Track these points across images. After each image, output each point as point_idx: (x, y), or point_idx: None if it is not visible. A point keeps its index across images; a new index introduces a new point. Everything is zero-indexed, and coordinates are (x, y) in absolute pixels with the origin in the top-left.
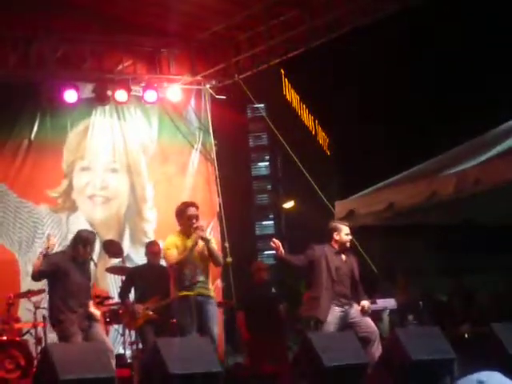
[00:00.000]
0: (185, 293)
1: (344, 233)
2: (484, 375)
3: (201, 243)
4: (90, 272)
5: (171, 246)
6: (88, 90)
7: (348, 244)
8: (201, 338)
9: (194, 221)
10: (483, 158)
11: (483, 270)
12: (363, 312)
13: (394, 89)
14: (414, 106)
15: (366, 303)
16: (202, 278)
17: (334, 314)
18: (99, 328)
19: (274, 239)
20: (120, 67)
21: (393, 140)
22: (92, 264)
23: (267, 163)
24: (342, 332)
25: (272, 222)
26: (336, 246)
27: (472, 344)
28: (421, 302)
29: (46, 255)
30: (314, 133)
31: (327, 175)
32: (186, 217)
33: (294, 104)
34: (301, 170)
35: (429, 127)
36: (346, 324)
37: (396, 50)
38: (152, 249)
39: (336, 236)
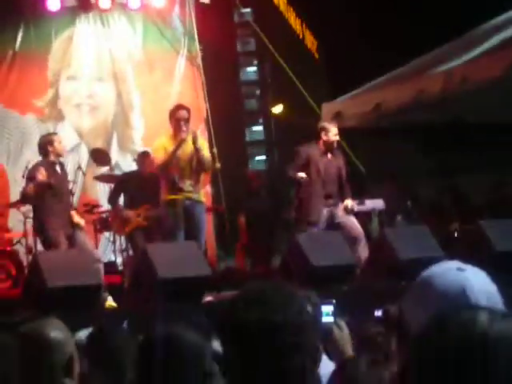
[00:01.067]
0: (173, 196)
1: (332, 133)
2: (469, 269)
3: (189, 147)
4: (67, 173)
5: (159, 148)
6: None
7: (335, 144)
8: (189, 242)
9: (182, 123)
10: (470, 55)
11: (472, 169)
12: (346, 211)
13: None
14: (402, 4)
15: (349, 202)
16: (190, 183)
17: (322, 214)
18: (84, 237)
19: (301, 176)
20: None
21: (380, 40)
22: (80, 173)
23: (255, 68)
24: (330, 232)
25: (261, 127)
26: (323, 146)
27: (460, 242)
28: (409, 202)
29: (29, 178)
30: (301, 36)
31: (316, 79)
32: (174, 119)
33: (282, 8)
34: (289, 74)
35: (416, 26)
36: (332, 224)
37: None
38: (144, 160)
39: (324, 136)
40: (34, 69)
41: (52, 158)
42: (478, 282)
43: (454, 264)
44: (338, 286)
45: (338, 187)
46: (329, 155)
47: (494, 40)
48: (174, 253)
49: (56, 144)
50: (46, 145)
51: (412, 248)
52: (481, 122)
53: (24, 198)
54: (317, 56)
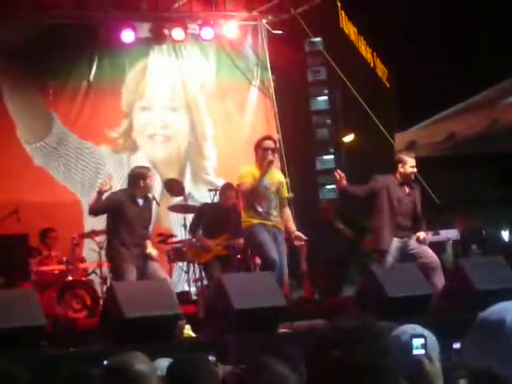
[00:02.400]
0: (262, 221)
1: (409, 165)
2: None
3: (275, 178)
4: (151, 212)
5: (247, 174)
6: (145, 29)
7: (412, 176)
8: (265, 273)
9: (269, 153)
10: None
11: None
12: (419, 241)
13: (455, 19)
14: (476, 35)
15: (421, 234)
16: (276, 213)
17: (394, 244)
18: (156, 266)
19: (338, 170)
20: (176, 5)
21: (453, 70)
22: (154, 203)
23: (326, 97)
24: (405, 264)
25: (332, 156)
26: (400, 178)
27: None
28: (484, 231)
29: (100, 192)
30: (372, 65)
31: (387, 108)
32: (262, 149)
33: (352, 37)
34: (360, 103)
35: (490, 57)
36: (405, 255)
37: None
38: (229, 192)
39: (401, 168)
40: (108, 100)
41: (138, 191)
42: None
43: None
44: (415, 318)
45: (413, 220)
46: (405, 187)
47: None
48: (249, 283)
49: (148, 180)
50: (137, 178)
51: (488, 279)
52: None
53: (90, 210)
54: (388, 85)
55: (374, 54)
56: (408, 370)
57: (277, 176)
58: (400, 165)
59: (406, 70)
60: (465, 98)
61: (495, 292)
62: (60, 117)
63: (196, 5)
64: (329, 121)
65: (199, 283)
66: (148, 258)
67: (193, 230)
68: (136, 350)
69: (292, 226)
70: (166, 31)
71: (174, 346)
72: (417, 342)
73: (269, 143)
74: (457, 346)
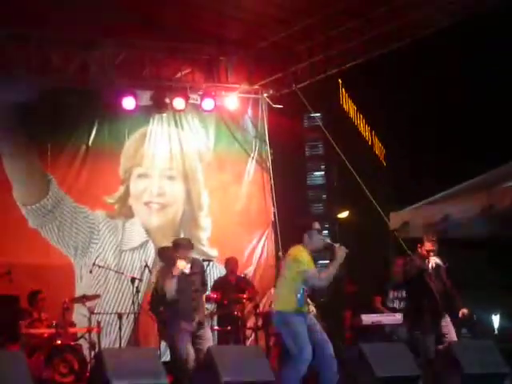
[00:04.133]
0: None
1: (425, 248)
2: None
3: None
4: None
5: (310, 263)
6: (146, 97)
7: (430, 257)
8: (254, 347)
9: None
10: None
11: None
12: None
13: (448, 103)
14: (469, 118)
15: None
16: None
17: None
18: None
19: None
20: (178, 75)
21: (448, 153)
22: (147, 271)
23: (323, 172)
24: (395, 344)
25: (327, 231)
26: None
27: None
28: (474, 315)
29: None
30: (370, 143)
31: (383, 186)
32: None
33: (351, 114)
34: (356, 180)
35: (484, 141)
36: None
37: (452, 60)
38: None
39: (419, 248)
40: (106, 165)
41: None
42: None
43: None
44: None
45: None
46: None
47: None
48: (238, 356)
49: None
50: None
51: (478, 363)
52: None
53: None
54: (384, 164)
55: (373, 132)
56: None
57: None
58: (418, 245)
59: (402, 151)
60: (459, 182)
61: (484, 376)
62: (57, 180)
63: (198, 75)
64: (324, 196)
65: None
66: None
67: None
68: None
69: None
70: (167, 100)
71: None
72: None
73: (317, 225)
74: None
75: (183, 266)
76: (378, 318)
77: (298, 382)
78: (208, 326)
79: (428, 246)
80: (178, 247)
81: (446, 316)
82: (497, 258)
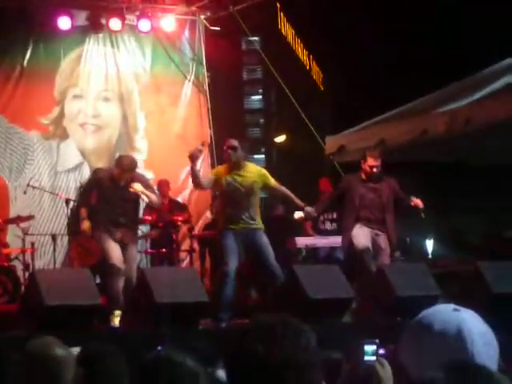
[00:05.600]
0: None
1: (367, 164)
2: (463, 310)
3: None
4: None
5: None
6: (82, 17)
7: (372, 174)
8: (188, 268)
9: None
10: (475, 97)
11: (472, 211)
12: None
13: (392, 27)
14: (412, 45)
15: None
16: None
17: (364, 231)
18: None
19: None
20: None
21: (386, 77)
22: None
23: (260, 97)
24: (328, 266)
25: (263, 155)
26: (363, 175)
27: (458, 282)
28: (408, 239)
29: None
30: (308, 67)
31: (320, 110)
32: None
33: (289, 38)
34: (294, 104)
35: (422, 66)
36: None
37: None
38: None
39: (362, 164)
40: (41, 86)
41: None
42: (473, 323)
43: (449, 306)
44: (335, 320)
45: (383, 212)
46: (370, 183)
47: (499, 83)
48: (172, 277)
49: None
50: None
51: (410, 285)
52: (482, 165)
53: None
54: (322, 88)
55: (311, 56)
56: (361, 377)
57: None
58: (362, 161)
59: (340, 75)
60: (397, 106)
61: (416, 298)
62: None
63: None
64: (262, 120)
65: None
66: None
67: None
68: (54, 337)
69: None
70: (103, 20)
71: (92, 335)
72: (368, 348)
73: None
74: (382, 351)
75: (139, 189)
76: (312, 241)
77: (228, 294)
78: (135, 245)
79: (371, 161)
80: (120, 167)
81: (384, 235)
82: (432, 182)
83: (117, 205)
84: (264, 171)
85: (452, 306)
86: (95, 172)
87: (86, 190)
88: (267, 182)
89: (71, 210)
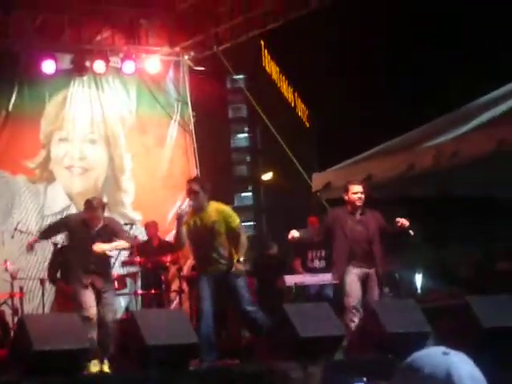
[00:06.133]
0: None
1: (351, 192)
2: (453, 353)
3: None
4: None
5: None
6: (66, 60)
7: (358, 202)
8: (177, 311)
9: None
10: (461, 131)
11: (460, 243)
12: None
13: (379, 62)
14: (399, 80)
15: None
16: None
17: (353, 272)
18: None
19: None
20: (98, 38)
21: (372, 114)
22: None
23: (246, 135)
24: (318, 304)
25: (251, 193)
26: (348, 207)
27: (448, 317)
28: (397, 274)
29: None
30: (293, 105)
31: (306, 147)
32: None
33: (274, 76)
34: (280, 142)
35: (406, 102)
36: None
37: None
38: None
39: (345, 196)
40: (27, 129)
41: None
42: (462, 367)
43: (439, 349)
44: (326, 357)
45: (371, 245)
46: (356, 215)
47: (484, 117)
48: (162, 320)
49: None
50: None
51: (400, 322)
52: (469, 196)
53: None
54: (308, 125)
55: (295, 93)
56: None
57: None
58: (345, 193)
59: (326, 111)
60: (382, 142)
61: (406, 335)
62: None
63: (118, 38)
64: (248, 158)
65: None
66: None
67: None
68: (43, 382)
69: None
70: (87, 63)
71: (81, 380)
72: None
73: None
74: None
75: (100, 249)
76: (302, 279)
77: (204, 333)
78: (110, 291)
79: (353, 188)
80: (86, 208)
81: (373, 271)
82: (419, 216)
83: (88, 251)
84: (227, 211)
85: (442, 349)
86: (67, 216)
87: (51, 227)
88: (228, 221)
89: (51, 256)
